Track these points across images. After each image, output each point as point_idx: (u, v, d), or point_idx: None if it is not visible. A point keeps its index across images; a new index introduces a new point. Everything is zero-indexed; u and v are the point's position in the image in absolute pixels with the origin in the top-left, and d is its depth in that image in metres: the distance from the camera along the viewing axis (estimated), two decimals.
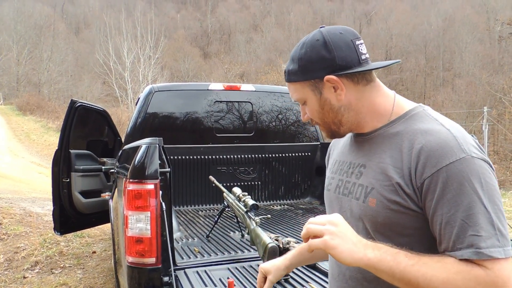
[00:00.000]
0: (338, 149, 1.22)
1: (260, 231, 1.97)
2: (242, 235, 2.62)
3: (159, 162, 2.03)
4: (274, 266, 1.25)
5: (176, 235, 2.75)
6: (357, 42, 1.02)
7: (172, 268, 1.89)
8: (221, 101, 4.16)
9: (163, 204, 1.97)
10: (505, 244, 0.85)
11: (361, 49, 1.02)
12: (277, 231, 2.90)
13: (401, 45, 53.91)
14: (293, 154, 4.35)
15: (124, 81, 34.41)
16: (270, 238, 2.27)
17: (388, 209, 0.95)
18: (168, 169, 2.04)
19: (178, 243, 2.56)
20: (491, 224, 0.85)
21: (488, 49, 45.76)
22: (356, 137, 1.12)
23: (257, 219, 2.06)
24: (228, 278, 1.88)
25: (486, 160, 0.91)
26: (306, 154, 4.39)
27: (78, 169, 4.24)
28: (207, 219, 3.42)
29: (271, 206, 4.09)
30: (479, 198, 0.86)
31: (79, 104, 4.33)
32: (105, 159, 4.58)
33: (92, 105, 4.76)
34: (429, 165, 0.89)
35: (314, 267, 1.97)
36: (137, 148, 2.05)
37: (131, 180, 1.98)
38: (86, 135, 4.82)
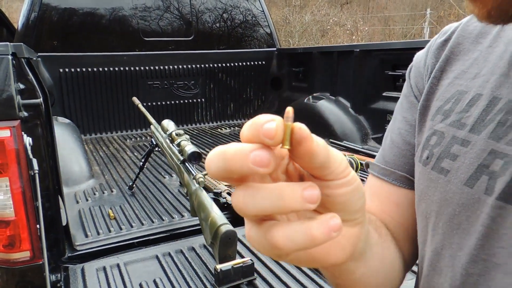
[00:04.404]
0: (473, 66, 0.46)
1: (206, 197, 1.22)
2: (181, 183, 1.86)
3: (22, 87, 1.15)
4: None
5: (87, 184, 1.94)
6: None
7: (47, 270, 1.12)
8: None
9: (35, 160, 1.13)
10: None
11: None
12: None
13: None
14: (244, 64, 3.51)
15: None
16: (220, 194, 1.54)
17: None
18: (38, 100, 1.17)
19: (88, 200, 1.77)
20: None
21: None
22: None
23: (201, 176, 1.29)
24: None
25: None
26: (260, 63, 3.56)
27: None
28: (136, 153, 2.61)
29: (218, 129, 3.33)
30: None
31: None
32: None
33: None
34: None
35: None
36: None
37: None
38: None
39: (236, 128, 3.39)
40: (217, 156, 0.26)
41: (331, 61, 3.00)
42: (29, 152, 1.14)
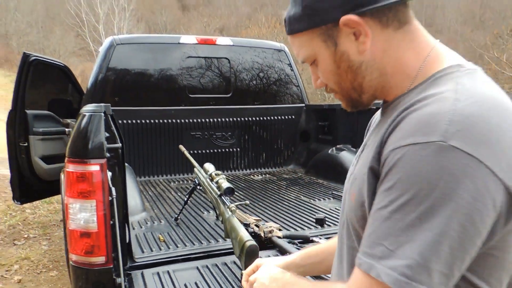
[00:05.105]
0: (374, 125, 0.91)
1: (236, 222, 1.60)
2: (217, 217, 2.24)
3: (107, 135, 1.60)
4: (271, 259, 1.02)
5: (141, 216, 2.36)
6: None
7: (122, 271, 1.51)
8: (194, 57, 3.67)
9: (113, 189, 1.56)
10: (384, 259, 0.59)
11: None
12: (258, 210, 2.54)
13: None
14: (276, 118, 3.95)
15: (99, 34, 32.81)
16: (249, 225, 1.91)
17: (361, 208, 0.70)
18: (119, 145, 1.61)
19: (142, 227, 2.18)
20: (401, 236, 0.58)
21: (470, 3, 45.08)
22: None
23: (233, 206, 1.67)
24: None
25: (478, 161, 0.56)
26: (290, 117, 3.99)
27: (37, 131, 3.82)
28: (179, 193, 3.03)
29: (251, 176, 3.72)
30: (416, 206, 0.57)
31: (34, 58, 3.80)
32: (69, 120, 4.13)
33: (50, 59, 4.23)
34: (397, 136, 0.62)
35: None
36: (78, 118, 1.62)
37: (70, 158, 1.56)
38: (46, 94, 4.36)
39: (267, 175, 3.76)
40: None
41: (352, 116, 3.38)
42: (110, 183, 1.57)
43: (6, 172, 7.68)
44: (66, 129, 3.89)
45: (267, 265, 0.95)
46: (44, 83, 4.25)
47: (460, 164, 0.56)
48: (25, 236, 4.85)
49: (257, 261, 1.00)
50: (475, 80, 0.65)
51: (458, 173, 0.55)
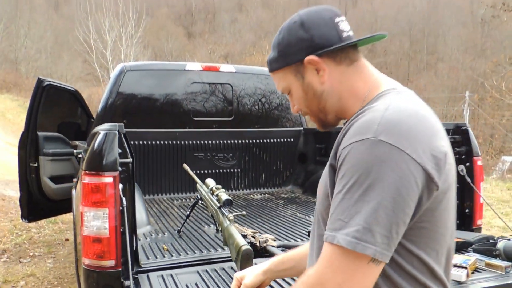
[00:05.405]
0: None
1: (233, 230, 1.76)
2: (217, 230, 2.41)
3: (120, 151, 1.79)
4: (250, 270, 1.16)
5: (146, 229, 2.53)
6: (337, 19, 0.96)
7: (131, 273, 1.67)
8: (199, 83, 3.90)
9: (124, 199, 1.73)
10: (342, 229, 0.77)
11: (342, 26, 0.96)
12: (256, 224, 2.70)
13: (386, 28, 53.31)
14: (275, 140, 4.14)
15: (106, 60, 33.50)
16: (246, 236, 2.07)
17: (327, 199, 0.88)
18: (130, 160, 1.80)
19: (147, 238, 2.34)
20: (347, 211, 0.78)
21: (471, 33, 45.86)
22: None
23: (231, 216, 1.85)
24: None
25: (399, 150, 0.77)
26: (289, 140, 4.18)
27: (47, 152, 3.99)
28: (182, 210, 3.20)
29: (251, 195, 3.89)
30: (359, 186, 0.77)
31: (48, 83, 4.02)
32: (77, 142, 4.32)
33: (62, 84, 4.46)
34: (346, 138, 0.83)
35: None
36: (94, 135, 1.81)
37: (87, 171, 1.75)
38: (56, 116, 4.56)
39: (266, 195, 3.93)
40: None
41: None
42: (121, 193, 1.75)
43: (12, 193, 7.88)
44: (74, 151, 4.08)
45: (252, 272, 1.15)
46: (55, 107, 4.46)
47: (387, 152, 0.76)
48: (31, 254, 4.98)
49: (236, 275, 1.17)
50: (401, 98, 0.88)
51: (386, 159, 0.76)
